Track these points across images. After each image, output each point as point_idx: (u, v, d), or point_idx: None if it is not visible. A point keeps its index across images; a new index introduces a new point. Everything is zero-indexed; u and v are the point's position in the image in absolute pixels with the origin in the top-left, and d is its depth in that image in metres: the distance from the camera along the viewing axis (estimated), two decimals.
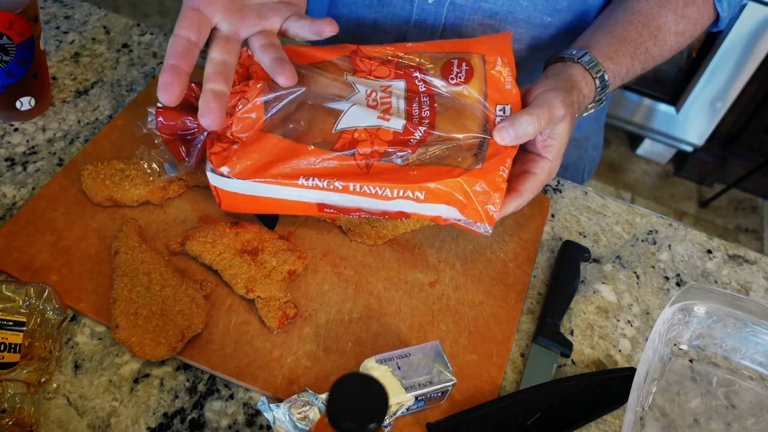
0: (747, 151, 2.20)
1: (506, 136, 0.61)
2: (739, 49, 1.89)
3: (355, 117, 0.61)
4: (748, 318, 0.64)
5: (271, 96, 0.61)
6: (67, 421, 0.54)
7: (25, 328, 0.54)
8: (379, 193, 0.59)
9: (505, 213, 0.63)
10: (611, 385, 0.63)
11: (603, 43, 0.70)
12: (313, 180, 0.59)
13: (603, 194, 0.82)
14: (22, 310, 0.55)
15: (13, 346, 0.53)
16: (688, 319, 0.65)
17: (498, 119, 0.63)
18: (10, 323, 0.54)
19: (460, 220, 0.62)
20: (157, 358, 0.57)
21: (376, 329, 0.63)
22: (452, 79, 0.65)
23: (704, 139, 2.17)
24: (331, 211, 0.63)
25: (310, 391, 0.55)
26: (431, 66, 0.66)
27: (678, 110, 2.12)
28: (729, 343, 0.66)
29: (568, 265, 0.71)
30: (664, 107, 2.14)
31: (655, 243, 0.78)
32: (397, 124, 0.61)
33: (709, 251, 0.78)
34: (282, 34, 0.63)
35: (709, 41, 1.93)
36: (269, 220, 0.70)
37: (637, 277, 0.74)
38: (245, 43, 0.61)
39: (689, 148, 2.23)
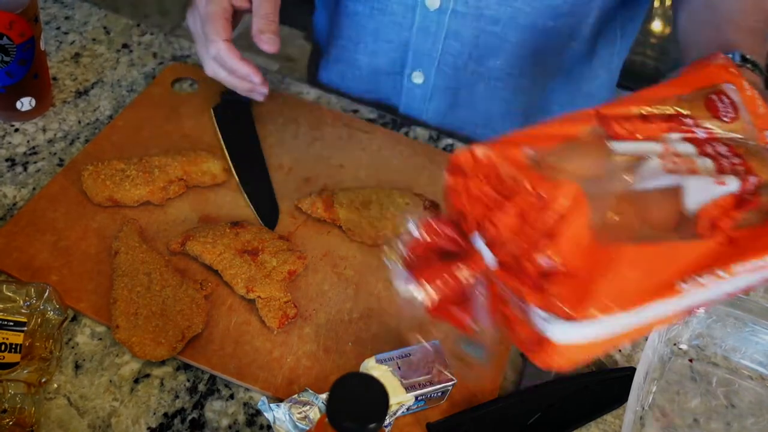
0: None
1: None
2: None
3: (695, 190, 0.50)
4: (747, 317, 0.64)
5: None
6: (68, 421, 0.55)
7: (25, 329, 0.54)
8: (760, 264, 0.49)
9: None
10: (611, 385, 0.63)
11: (746, 41, 0.63)
12: (693, 280, 0.46)
13: None
14: (23, 311, 0.55)
15: (13, 346, 0.53)
16: (687, 319, 0.65)
17: None
18: (11, 323, 0.54)
19: None
20: (157, 358, 0.57)
21: (377, 329, 0.63)
22: (724, 116, 0.57)
23: None
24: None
25: (310, 390, 0.55)
26: (689, 110, 0.56)
27: None
28: (729, 342, 0.66)
29: None
30: None
31: None
32: (732, 184, 0.50)
33: None
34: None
35: None
36: (269, 220, 0.70)
37: None
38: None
39: None
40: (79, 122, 0.77)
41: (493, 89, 0.85)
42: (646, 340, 0.68)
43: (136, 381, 0.58)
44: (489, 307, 0.45)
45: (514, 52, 0.80)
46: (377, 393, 0.37)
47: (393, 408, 0.55)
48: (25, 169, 0.71)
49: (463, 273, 0.45)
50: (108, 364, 0.58)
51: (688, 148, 0.51)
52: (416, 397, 0.55)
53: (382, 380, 0.37)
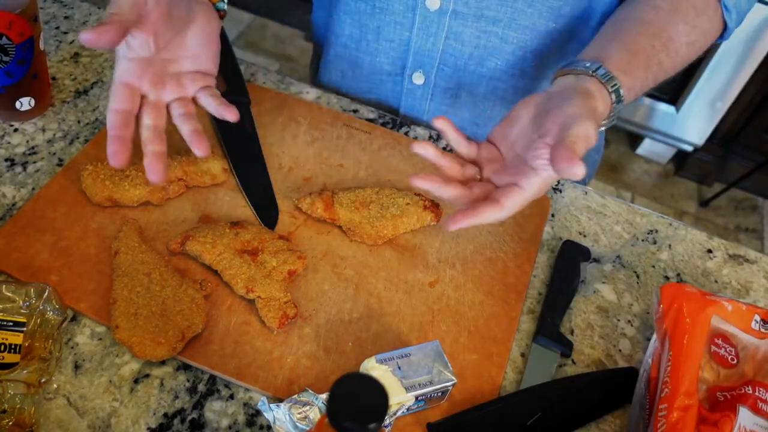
0: (747, 150, 2.20)
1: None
2: (739, 49, 1.89)
3: None
4: None
5: None
6: (68, 422, 0.54)
7: (25, 329, 0.54)
8: None
9: (480, 222, 0.58)
10: (611, 385, 0.63)
11: (615, 55, 0.65)
12: None
13: (603, 194, 0.82)
14: (22, 311, 0.55)
15: (13, 346, 0.53)
16: None
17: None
18: (10, 324, 0.54)
19: None
20: (157, 359, 0.57)
21: (377, 329, 0.63)
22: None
23: (704, 138, 2.16)
24: None
25: (310, 391, 0.55)
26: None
27: (678, 110, 2.12)
28: None
29: (568, 264, 0.71)
30: (664, 107, 2.14)
31: (655, 242, 0.78)
32: None
33: (710, 251, 0.78)
34: (194, 101, 0.66)
35: None
36: (269, 220, 0.70)
37: (638, 276, 0.74)
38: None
39: (689, 148, 2.23)
40: (79, 122, 0.77)
41: (494, 90, 0.85)
42: (648, 340, 0.68)
43: (136, 381, 0.58)
44: None
45: (514, 53, 0.81)
46: (377, 393, 0.37)
47: (393, 408, 0.55)
48: (25, 169, 0.71)
49: None
50: (108, 364, 0.58)
51: None
52: (416, 397, 0.55)
53: (382, 380, 0.37)
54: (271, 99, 0.83)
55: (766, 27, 1.81)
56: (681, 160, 2.34)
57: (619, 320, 0.69)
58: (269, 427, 0.57)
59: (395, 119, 0.85)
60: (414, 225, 0.71)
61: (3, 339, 0.53)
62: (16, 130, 0.75)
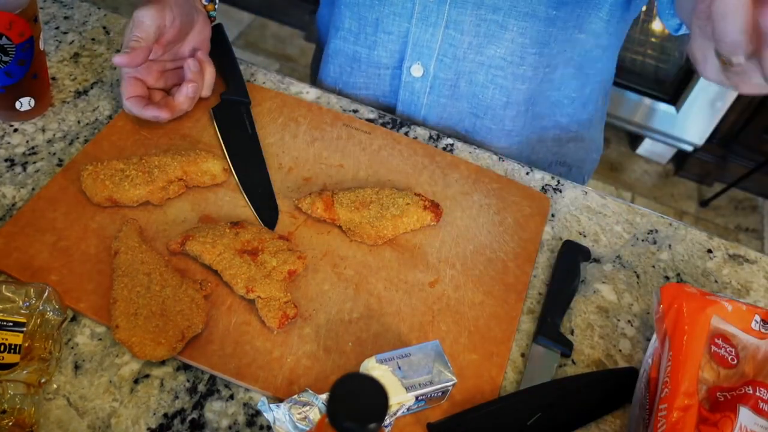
0: (747, 150, 2.20)
1: None
2: None
3: None
4: None
5: None
6: (68, 422, 0.54)
7: (25, 329, 0.54)
8: None
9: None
10: (611, 385, 0.63)
11: None
12: None
13: (603, 194, 0.82)
14: (22, 311, 0.55)
15: (13, 346, 0.53)
16: None
17: None
18: (10, 324, 0.54)
19: None
20: (157, 359, 0.57)
21: (377, 329, 0.63)
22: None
23: (704, 138, 2.17)
24: None
25: (310, 391, 0.55)
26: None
27: (678, 110, 2.12)
28: None
29: (568, 264, 0.71)
30: (664, 107, 2.14)
31: (655, 242, 0.78)
32: None
33: (710, 251, 0.78)
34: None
35: None
36: (269, 219, 0.70)
37: (638, 276, 0.74)
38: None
39: (689, 148, 2.23)
40: (79, 122, 0.77)
41: (493, 78, 0.85)
42: (648, 340, 0.68)
43: (136, 381, 0.58)
44: None
45: (514, 40, 0.80)
46: (377, 393, 0.36)
47: (393, 408, 0.55)
48: (25, 169, 0.71)
49: None
50: (108, 364, 0.58)
51: None
52: (416, 397, 0.55)
53: (383, 380, 0.37)
54: (271, 99, 0.83)
55: None
56: (681, 160, 2.34)
57: (619, 320, 0.69)
58: (269, 428, 0.57)
59: (395, 119, 0.85)
60: (414, 225, 0.71)
61: (3, 339, 0.53)
62: (16, 130, 0.75)
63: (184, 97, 0.75)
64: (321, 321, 0.63)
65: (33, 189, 0.69)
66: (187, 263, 0.65)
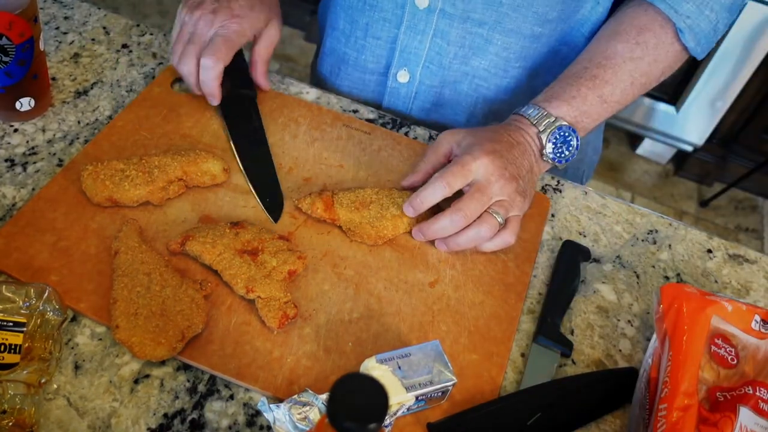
0: (747, 150, 2.20)
1: (407, 210, 0.69)
2: (739, 49, 1.89)
3: None
4: None
5: None
6: (68, 422, 0.54)
7: (25, 329, 0.54)
8: None
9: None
10: (611, 385, 0.63)
11: (547, 90, 0.74)
12: None
13: (603, 194, 0.82)
14: (22, 311, 0.55)
15: (13, 346, 0.53)
16: None
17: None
18: (10, 324, 0.54)
19: None
20: (157, 359, 0.57)
21: (377, 329, 0.63)
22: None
23: (704, 138, 2.16)
24: None
25: (310, 391, 0.55)
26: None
27: (678, 110, 2.12)
28: None
29: (568, 265, 0.71)
30: (664, 107, 2.14)
31: (655, 242, 0.78)
32: None
33: (710, 251, 0.78)
34: None
35: None
36: (274, 210, 0.70)
37: (637, 276, 0.74)
38: None
39: (689, 148, 2.23)
40: (79, 122, 0.77)
41: (477, 88, 0.85)
42: (648, 340, 0.68)
43: (136, 381, 0.58)
44: None
45: (498, 54, 0.82)
46: (377, 393, 0.37)
47: (393, 408, 0.55)
48: (25, 169, 0.71)
49: None
50: (108, 364, 0.58)
51: None
52: (416, 397, 0.55)
53: (383, 380, 0.37)
54: (271, 99, 0.83)
55: (766, 27, 1.81)
56: (681, 160, 2.34)
57: (619, 320, 0.69)
58: (269, 428, 0.57)
59: (395, 119, 0.85)
60: (414, 225, 0.71)
61: (3, 339, 0.53)
62: (16, 130, 0.75)
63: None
64: (321, 321, 0.63)
65: (33, 189, 0.69)
66: (187, 263, 0.65)
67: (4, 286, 0.55)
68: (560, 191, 0.81)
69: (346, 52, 0.89)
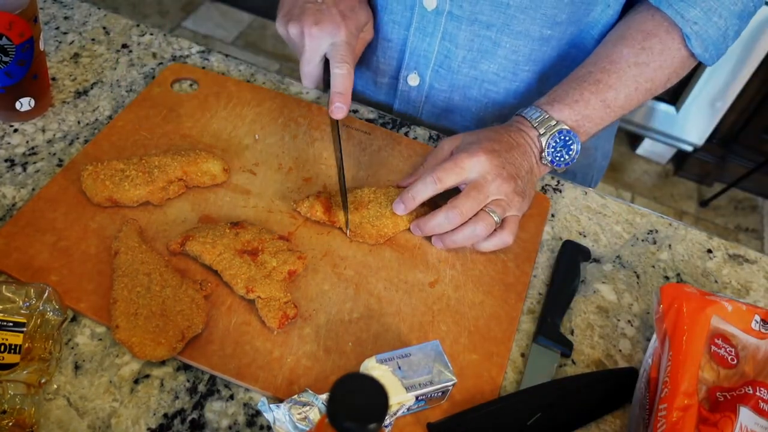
0: (747, 150, 2.20)
1: (396, 208, 0.70)
2: (739, 49, 1.89)
3: None
4: None
5: None
6: (68, 422, 0.54)
7: (25, 329, 0.54)
8: None
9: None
10: (611, 385, 0.63)
11: (550, 92, 0.74)
12: None
13: (603, 194, 0.82)
14: (22, 311, 0.55)
15: (13, 347, 0.53)
16: None
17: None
18: (10, 324, 0.54)
19: None
20: (157, 359, 0.57)
21: (377, 329, 0.63)
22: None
23: (704, 138, 2.17)
24: None
25: (310, 391, 0.55)
26: None
27: (678, 110, 2.12)
28: None
29: (568, 264, 0.71)
30: (664, 107, 2.14)
31: (655, 242, 0.78)
32: None
33: (710, 251, 0.78)
34: None
35: None
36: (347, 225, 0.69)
37: (637, 276, 0.74)
38: None
39: (689, 148, 2.23)
40: (79, 122, 0.77)
41: (486, 93, 0.85)
42: (648, 340, 0.68)
43: (136, 381, 0.58)
44: None
45: (507, 57, 0.81)
46: (377, 393, 0.37)
47: (393, 408, 0.55)
48: (25, 169, 0.71)
49: None
50: (108, 364, 0.58)
51: None
52: (416, 397, 0.55)
53: (383, 380, 0.37)
54: (271, 99, 0.83)
55: (766, 27, 1.81)
56: (681, 160, 2.34)
57: (619, 320, 0.69)
58: (269, 428, 0.57)
59: (395, 119, 0.85)
60: (413, 221, 0.71)
61: (3, 339, 0.53)
62: (16, 130, 0.75)
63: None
64: (321, 321, 0.63)
65: (33, 189, 0.69)
66: (187, 263, 0.65)
67: (4, 286, 0.55)
68: (560, 191, 0.81)
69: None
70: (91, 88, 0.81)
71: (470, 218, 0.67)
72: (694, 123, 2.12)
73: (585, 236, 0.77)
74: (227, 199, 0.71)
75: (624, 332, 0.68)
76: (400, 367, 0.56)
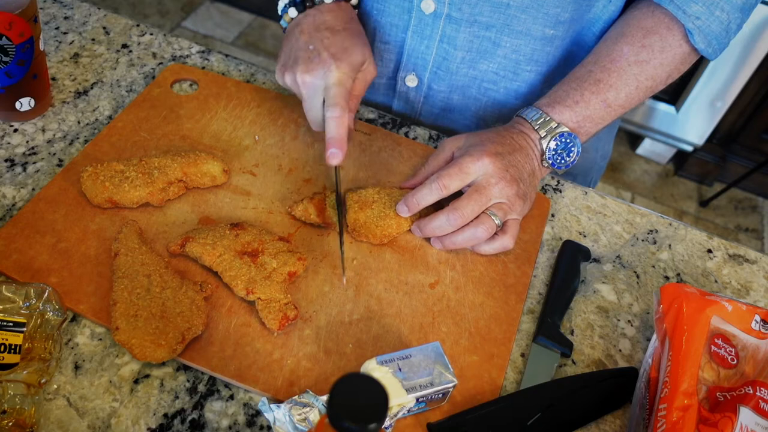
0: (747, 150, 2.20)
1: (401, 210, 0.70)
2: (738, 49, 1.89)
3: None
4: None
5: None
6: (68, 422, 0.54)
7: (25, 329, 0.54)
8: None
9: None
10: (611, 385, 0.63)
11: (550, 93, 0.74)
12: None
13: (603, 194, 0.82)
14: (23, 311, 0.55)
15: (13, 347, 0.53)
16: None
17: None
18: (10, 324, 0.54)
19: None
20: (157, 360, 0.57)
21: (377, 331, 0.63)
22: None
23: (704, 138, 2.17)
24: None
25: (310, 392, 0.55)
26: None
27: (678, 110, 2.12)
28: None
29: (568, 264, 0.71)
30: (664, 107, 2.14)
31: (655, 242, 0.78)
32: None
33: (710, 251, 0.78)
34: None
35: None
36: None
37: (637, 276, 0.74)
38: None
39: (689, 148, 2.23)
40: (79, 122, 0.77)
41: (486, 92, 0.85)
42: (648, 340, 0.68)
43: (136, 381, 0.58)
44: None
45: (507, 56, 0.81)
46: (377, 393, 0.37)
47: (394, 410, 0.55)
48: (25, 169, 0.71)
49: None
50: (108, 364, 0.58)
51: None
52: (417, 399, 0.55)
53: (383, 382, 0.37)
54: (271, 100, 0.83)
55: (766, 27, 1.81)
56: (681, 160, 2.34)
57: (619, 320, 0.69)
58: (269, 428, 0.57)
59: (395, 119, 0.85)
60: (414, 222, 0.71)
61: (3, 339, 0.53)
62: (16, 130, 0.75)
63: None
64: (321, 322, 0.63)
65: (33, 189, 0.69)
66: (187, 265, 0.65)
67: (4, 286, 0.55)
68: (560, 191, 0.81)
69: None
70: (91, 88, 0.81)
71: (471, 221, 0.67)
72: (694, 123, 2.12)
73: (585, 236, 0.77)
74: (227, 200, 0.71)
75: (624, 332, 0.68)
76: (400, 369, 0.56)
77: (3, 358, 0.53)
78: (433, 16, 0.79)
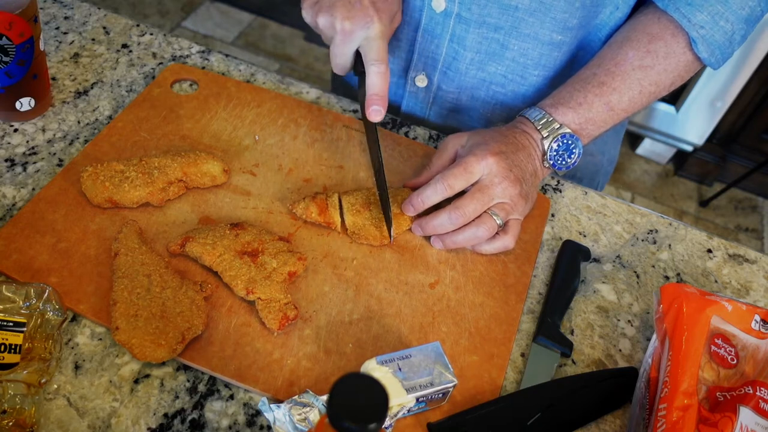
0: (747, 150, 2.20)
1: (407, 209, 0.70)
2: (738, 49, 1.89)
3: None
4: None
5: None
6: (68, 422, 0.54)
7: (25, 329, 0.54)
8: None
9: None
10: (611, 385, 0.63)
11: (554, 93, 0.74)
12: None
13: (603, 194, 0.82)
14: (23, 311, 0.55)
15: (13, 346, 0.53)
16: None
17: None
18: (11, 324, 0.54)
19: None
20: (157, 360, 0.57)
21: (377, 330, 0.63)
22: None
23: (704, 138, 2.17)
24: None
25: (310, 392, 0.55)
26: None
27: (678, 110, 2.12)
28: None
29: (568, 264, 0.71)
30: (664, 107, 2.14)
31: (655, 242, 0.78)
32: None
33: (709, 250, 0.78)
34: None
35: None
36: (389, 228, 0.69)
37: (637, 276, 0.74)
38: None
39: (689, 148, 2.23)
40: (79, 122, 0.77)
41: (494, 95, 0.85)
42: (648, 340, 0.68)
43: (136, 381, 0.58)
44: None
45: (515, 60, 0.81)
46: (377, 393, 0.37)
47: (394, 410, 0.55)
48: (25, 169, 0.71)
49: None
50: (108, 364, 0.58)
51: None
52: (417, 399, 0.55)
53: (383, 382, 0.37)
54: (271, 99, 0.83)
55: (766, 27, 1.81)
56: (681, 160, 2.34)
57: (619, 320, 0.69)
58: (269, 428, 0.57)
59: (395, 119, 0.85)
60: (415, 221, 0.71)
61: (3, 339, 0.53)
62: (16, 130, 0.75)
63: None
64: (321, 322, 0.63)
65: (33, 189, 0.69)
66: (187, 265, 0.65)
67: (4, 286, 0.55)
68: (560, 191, 0.81)
69: None
70: (91, 88, 0.81)
71: (473, 220, 0.67)
72: (694, 123, 2.12)
73: (585, 236, 0.77)
74: (227, 200, 0.71)
75: (624, 332, 0.68)
76: (400, 369, 0.56)
77: (3, 358, 0.53)
78: (443, 15, 0.79)
